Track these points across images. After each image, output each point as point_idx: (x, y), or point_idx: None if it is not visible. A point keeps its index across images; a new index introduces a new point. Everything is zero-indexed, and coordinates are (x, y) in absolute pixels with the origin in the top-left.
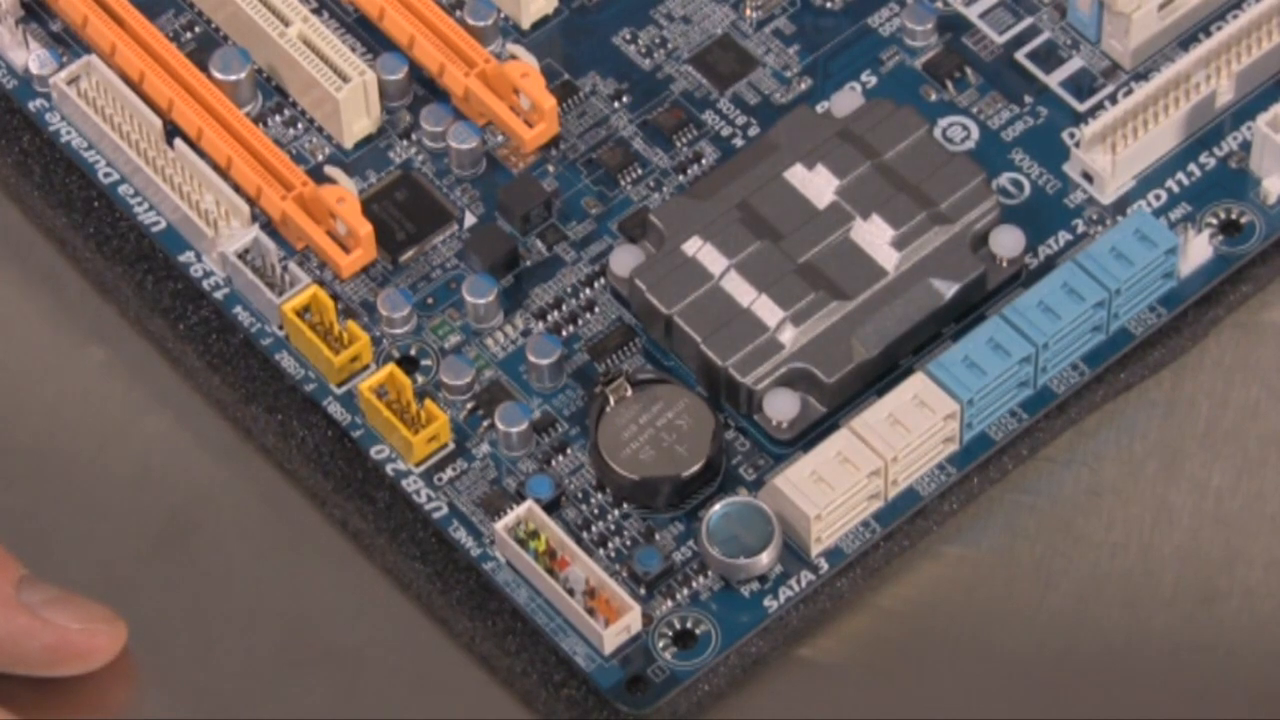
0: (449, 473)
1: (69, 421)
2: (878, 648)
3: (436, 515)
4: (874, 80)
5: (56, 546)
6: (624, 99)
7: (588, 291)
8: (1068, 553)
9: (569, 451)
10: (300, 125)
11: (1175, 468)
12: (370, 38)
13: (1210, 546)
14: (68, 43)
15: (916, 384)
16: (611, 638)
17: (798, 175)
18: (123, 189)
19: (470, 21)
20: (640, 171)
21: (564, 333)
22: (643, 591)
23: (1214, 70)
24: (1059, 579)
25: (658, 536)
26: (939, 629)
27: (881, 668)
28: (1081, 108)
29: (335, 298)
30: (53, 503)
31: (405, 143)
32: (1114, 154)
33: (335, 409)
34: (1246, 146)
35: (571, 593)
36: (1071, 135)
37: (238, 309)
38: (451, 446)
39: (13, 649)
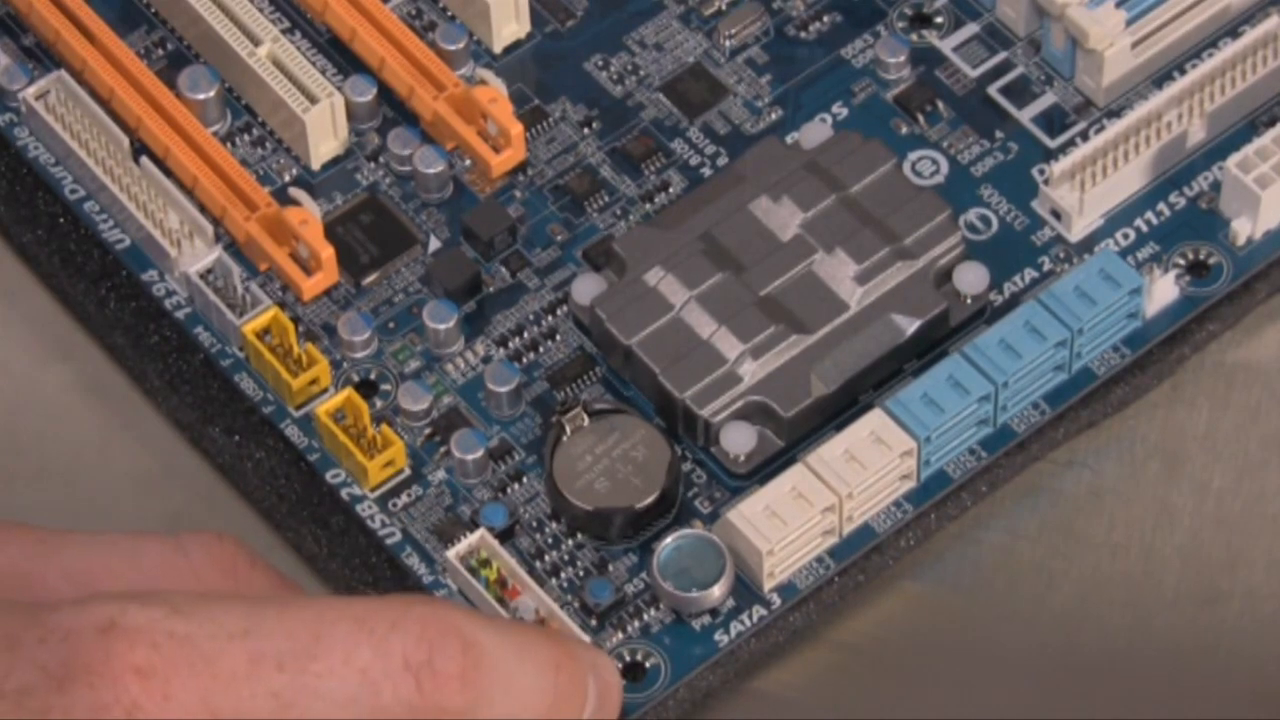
0: (404, 499)
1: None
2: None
3: (390, 541)
4: (845, 112)
5: None
6: (593, 125)
7: (550, 319)
8: (1069, 553)
9: (525, 480)
10: (268, 145)
11: (1176, 469)
12: (342, 59)
13: (1211, 547)
14: (39, 58)
15: (874, 420)
16: None
17: (762, 207)
18: (88, 206)
19: (442, 45)
20: (607, 199)
21: (525, 360)
22: (594, 623)
23: (1186, 110)
24: (1060, 579)
25: (611, 568)
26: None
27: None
28: (1053, 144)
29: (296, 320)
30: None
31: (373, 165)
32: (1083, 191)
33: (293, 431)
34: (1217, 187)
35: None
36: (1041, 172)
37: (199, 329)
38: (407, 472)
39: None
